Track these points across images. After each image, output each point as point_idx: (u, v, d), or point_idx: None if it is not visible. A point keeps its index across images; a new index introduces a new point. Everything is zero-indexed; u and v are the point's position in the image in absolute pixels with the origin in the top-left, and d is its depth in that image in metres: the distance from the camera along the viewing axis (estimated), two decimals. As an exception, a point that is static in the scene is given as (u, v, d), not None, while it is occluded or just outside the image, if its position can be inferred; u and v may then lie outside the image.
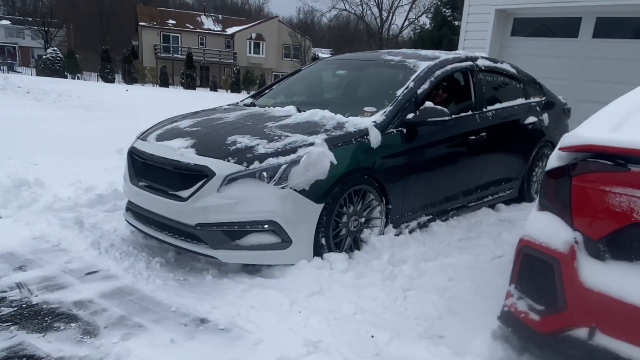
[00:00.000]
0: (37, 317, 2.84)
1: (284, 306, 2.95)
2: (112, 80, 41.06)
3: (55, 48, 41.81)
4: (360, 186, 3.64)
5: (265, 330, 2.75)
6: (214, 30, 54.67)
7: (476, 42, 8.97)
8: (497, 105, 4.94)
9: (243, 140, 3.49)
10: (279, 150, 3.37)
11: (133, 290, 3.20)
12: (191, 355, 2.53)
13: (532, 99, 5.50)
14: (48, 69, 37.90)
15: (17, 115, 10.60)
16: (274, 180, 3.25)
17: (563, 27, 8.48)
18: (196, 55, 47.92)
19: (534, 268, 2.31)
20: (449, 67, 4.52)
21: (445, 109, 3.96)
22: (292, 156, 3.32)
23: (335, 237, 3.54)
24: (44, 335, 2.65)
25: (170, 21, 52.85)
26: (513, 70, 5.40)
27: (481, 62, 4.93)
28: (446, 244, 4.07)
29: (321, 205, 3.37)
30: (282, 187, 3.25)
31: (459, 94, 4.80)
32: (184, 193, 3.36)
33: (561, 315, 2.18)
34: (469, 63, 4.79)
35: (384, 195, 3.81)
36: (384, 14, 44.40)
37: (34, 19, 54.65)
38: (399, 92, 4.09)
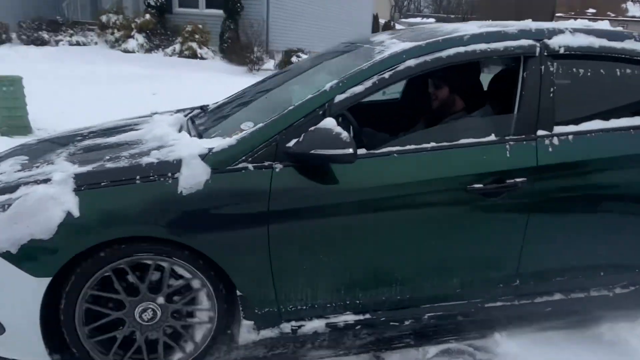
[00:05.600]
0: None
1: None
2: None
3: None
4: (149, 256, 2.16)
5: None
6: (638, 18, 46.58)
7: None
8: (587, 126, 2.48)
9: None
10: None
11: None
12: None
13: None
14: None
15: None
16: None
17: None
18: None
19: None
20: (453, 50, 2.36)
21: (347, 139, 2.09)
22: (3, 198, 2.15)
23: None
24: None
25: (590, 10, 47.74)
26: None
27: (561, 41, 2.46)
28: None
29: (46, 280, 2.06)
30: None
31: (485, 100, 2.65)
32: None
33: None
34: (527, 42, 2.43)
35: (217, 275, 2.25)
36: None
37: (456, 15, 58.60)
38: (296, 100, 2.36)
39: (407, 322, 2.48)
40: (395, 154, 2.28)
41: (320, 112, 2.24)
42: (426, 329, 2.67)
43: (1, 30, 13.51)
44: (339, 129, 2.11)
